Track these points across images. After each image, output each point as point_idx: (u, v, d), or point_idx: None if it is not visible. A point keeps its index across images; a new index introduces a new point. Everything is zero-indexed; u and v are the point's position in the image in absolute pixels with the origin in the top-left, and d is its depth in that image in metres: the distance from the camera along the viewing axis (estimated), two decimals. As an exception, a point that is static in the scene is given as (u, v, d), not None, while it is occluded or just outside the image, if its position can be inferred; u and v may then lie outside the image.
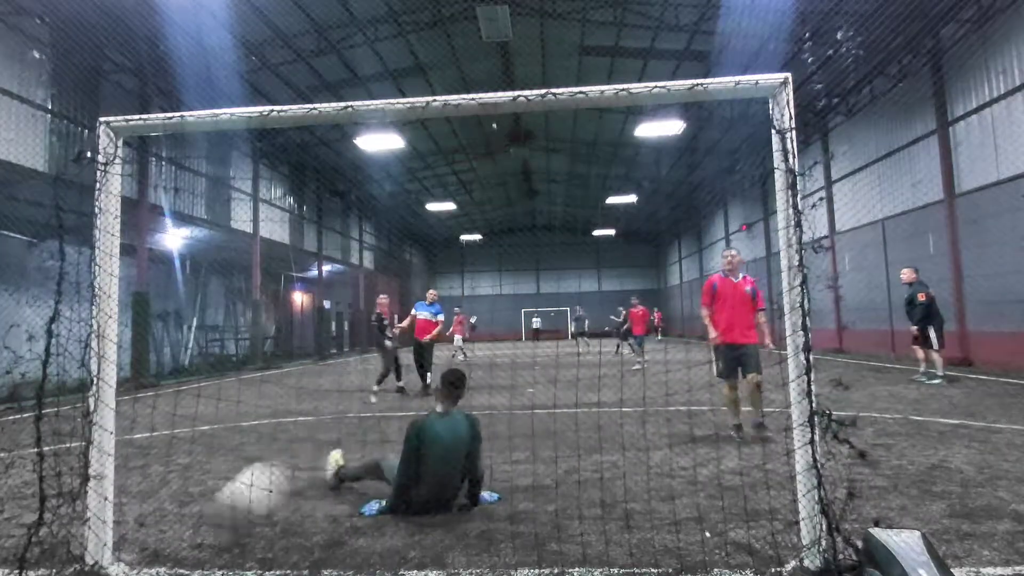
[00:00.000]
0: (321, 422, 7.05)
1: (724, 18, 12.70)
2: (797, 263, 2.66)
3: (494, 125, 20.93)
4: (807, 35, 12.55)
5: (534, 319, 35.94)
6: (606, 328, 24.61)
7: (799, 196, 2.66)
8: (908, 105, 13.34)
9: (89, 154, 2.92)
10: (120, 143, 3.02)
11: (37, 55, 10.79)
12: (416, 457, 3.42)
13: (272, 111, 2.91)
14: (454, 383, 3.62)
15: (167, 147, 14.67)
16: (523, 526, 3.31)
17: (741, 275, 5.70)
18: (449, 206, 28.93)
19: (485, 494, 3.75)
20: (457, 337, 20.03)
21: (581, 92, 2.75)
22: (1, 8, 10.02)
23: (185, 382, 13.59)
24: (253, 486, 3.73)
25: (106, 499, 2.81)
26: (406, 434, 3.49)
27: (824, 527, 2.51)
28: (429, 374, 9.58)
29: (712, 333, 5.58)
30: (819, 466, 2.55)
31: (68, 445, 2.95)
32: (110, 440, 2.87)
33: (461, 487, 3.61)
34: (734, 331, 5.47)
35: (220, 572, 2.80)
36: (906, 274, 9.57)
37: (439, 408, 3.62)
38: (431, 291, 10.65)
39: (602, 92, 2.76)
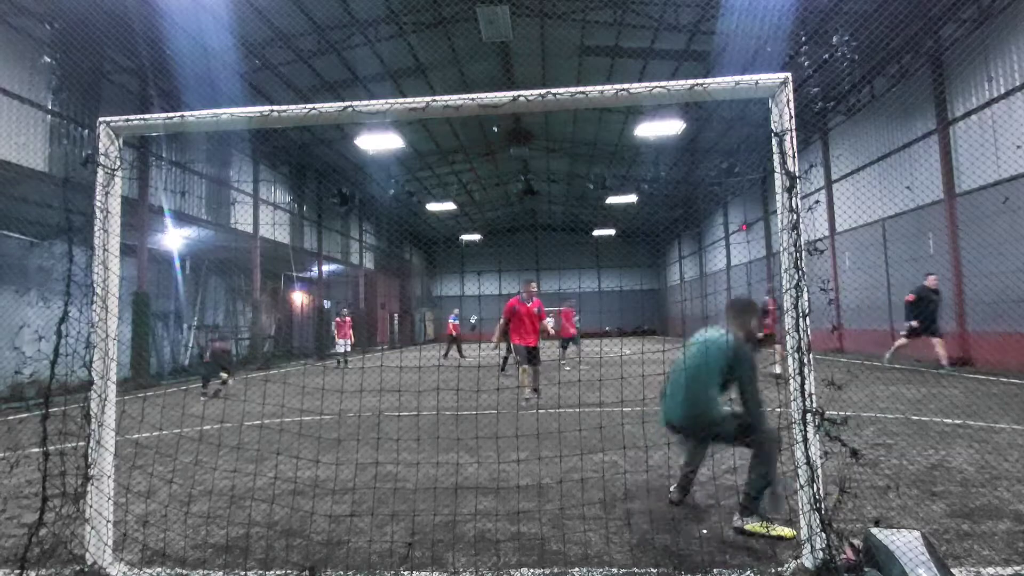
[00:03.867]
0: (322, 422, 7.05)
1: (724, 18, 12.70)
2: (795, 264, 2.66)
3: (495, 128, 20.92)
4: (807, 35, 12.55)
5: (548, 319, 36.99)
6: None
7: (798, 197, 2.66)
8: (908, 105, 13.33)
9: (96, 156, 2.93)
10: (120, 143, 3.02)
11: (38, 56, 10.78)
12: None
13: (272, 111, 2.91)
14: (738, 309, 3.48)
15: (167, 147, 14.67)
16: (523, 526, 3.31)
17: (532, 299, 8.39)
18: (449, 206, 28.91)
19: None
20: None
21: (581, 92, 2.75)
22: (2, 8, 10.02)
23: (185, 382, 13.58)
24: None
25: (108, 498, 2.82)
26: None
27: (819, 525, 2.52)
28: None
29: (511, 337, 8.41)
30: (812, 464, 2.55)
31: (75, 445, 2.95)
32: (112, 438, 2.87)
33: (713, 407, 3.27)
34: (529, 337, 8.24)
35: (220, 572, 2.80)
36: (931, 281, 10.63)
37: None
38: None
39: (602, 92, 2.76)
